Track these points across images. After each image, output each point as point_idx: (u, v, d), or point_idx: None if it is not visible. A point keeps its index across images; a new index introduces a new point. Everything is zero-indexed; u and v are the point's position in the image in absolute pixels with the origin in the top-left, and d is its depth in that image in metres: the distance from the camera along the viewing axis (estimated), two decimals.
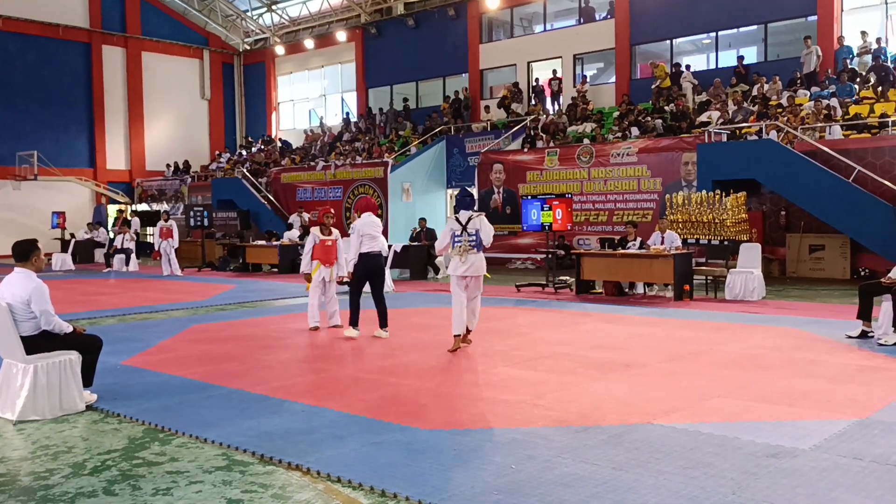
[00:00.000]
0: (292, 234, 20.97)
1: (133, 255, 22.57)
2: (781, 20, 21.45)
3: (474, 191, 23.16)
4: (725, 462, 4.68)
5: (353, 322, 9.63)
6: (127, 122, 33.87)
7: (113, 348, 8.35)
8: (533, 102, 25.05)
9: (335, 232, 10.44)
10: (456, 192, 9.55)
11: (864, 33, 19.21)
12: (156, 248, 20.49)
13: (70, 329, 6.31)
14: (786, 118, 17.49)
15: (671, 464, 4.66)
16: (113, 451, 5.15)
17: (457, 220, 8.81)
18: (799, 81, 19.49)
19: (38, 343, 6.13)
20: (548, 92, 25.18)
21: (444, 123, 26.30)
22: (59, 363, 6.12)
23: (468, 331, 8.87)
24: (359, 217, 9.77)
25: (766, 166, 15.92)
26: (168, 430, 5.61)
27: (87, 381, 6.41)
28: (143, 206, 32.77)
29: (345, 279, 10.14)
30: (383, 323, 9.60)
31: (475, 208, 9.10)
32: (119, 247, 22.67)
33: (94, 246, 26.72)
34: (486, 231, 8.76)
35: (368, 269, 9.49)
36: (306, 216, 23.48)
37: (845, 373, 7.20)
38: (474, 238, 8.67)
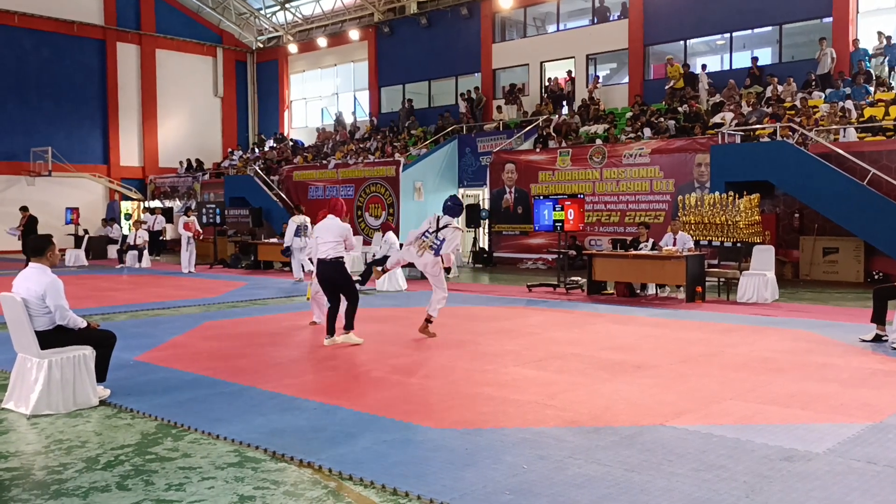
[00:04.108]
0: None
1: (146, 252, 22.69)
2: (796, 21, 21.33)
3: (486, 191, 23.22)
4: (738, 465, 4.66)
5: (329, 330, 9.09)
6: (140, 119, 34.03)
7: (125, 344, 8.38)
8: (544, 103, 25.01)
9: None
10: (447, 198, 9.65)
11: (880, 34, 19.07)
12: (184, 242, 20.53)
13: (84, 324, 6.35)
14: (800, 120, 17.39)
15: (684, 466, 4.64)
16: (126, 446, 5.17)
17: (436, 219, 9.23)
18: (813, 83, 19.39)
19: (52, 338, 6.17)
20: (567, 89, 25.13)
21: (457, 122, 26.31)
22: (73, 358, 6.15)
23: (428, 320, 9.27)
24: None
25: (780, 168, 15.84)
26: (181, 426, 5.63)
27: (101, 376, 6.44)
28: (155, 203, 32.92)
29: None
30: (348, 325, 9.00)
31: (457, 220, 9.38)
32: (132, 243, 22.81)
33: (107, 242, 26.88)
34: (450, 244, 9.17)
35: (323, 276, 9.00)
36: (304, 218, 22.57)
37: (858, 376, 7.16)
38: (438, 243, 9.12)
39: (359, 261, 19.95)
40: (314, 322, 10.60)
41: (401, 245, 10.04)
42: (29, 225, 21.28)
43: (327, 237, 8.89)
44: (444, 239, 9.13)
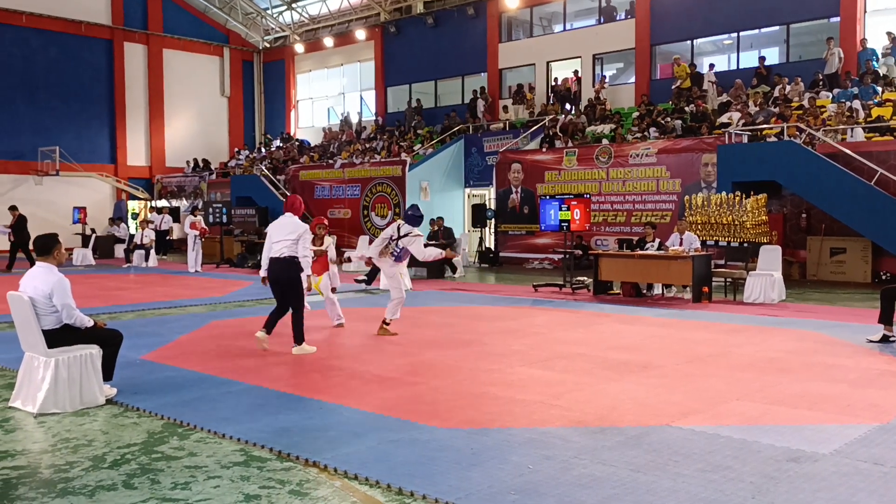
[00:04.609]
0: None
1: (153, 251, 22.76)
2: (803, 21, 21.27)
3: (492, 190, 23.21)
4: (745, 465, 4.65)
5: (267, 327, 8.47)
6: (147, 119, 34.12)
7: (132, 343, 8.41)
8: (551, 103, 24.99)
9: (326, 241, 10.55)
10: (408, 207, 10.15)
11: (889, 34, 18.99)
12: (191, 241, 20.62)
13: (91, 323, 6.36)
14: (807, 120, 17.33)
15: (690, 466, 4.63)
16: (132, 445, 5.19)
17: (398, 227, 9.65)
18: (821, 83, 19.32)
19: (59, 337, 6.19)
20: (574, 89, 25.11)
21: (463, 122, 26.30)
22: (80, 357, 6.17)
23: (385, 322, 9.64)
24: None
25: (787, 168, 15.79)
26: (187, 425, 5.64)
27: (108, 374, 6.46)
28: (162, 202, 33.01)
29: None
30: (297, 338, 8.51)
31: (418, 229, 9.75)
32: (139, 242, 22.88)
33: (114, 241, 26.96)
34: (416, 251, 9.59)
35: (273, 275, 8.39)
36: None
37: (865, 377, 7.13)
38: (399, 251, 9.58)
39: None
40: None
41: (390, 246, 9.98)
42: (18, 224, 20.80)
43: (281, 235, 8.35)
44: (404, 248, 9.56)
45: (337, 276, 10.64)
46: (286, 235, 8.33)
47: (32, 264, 6.47)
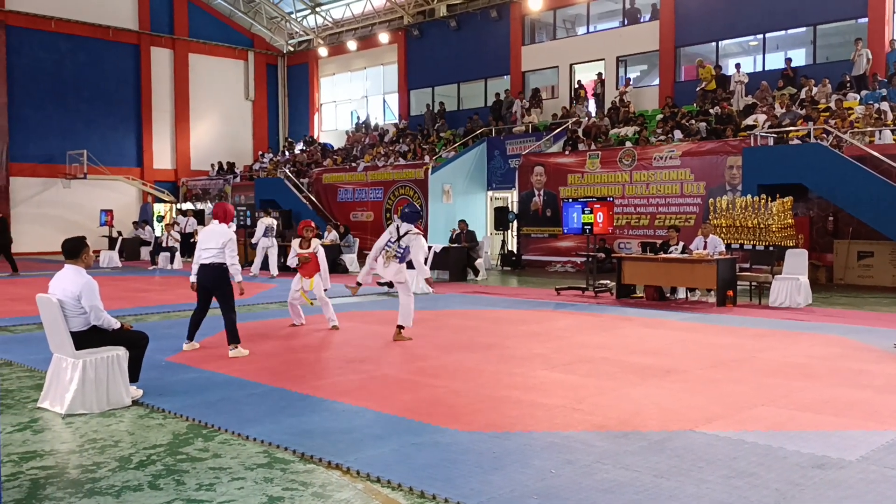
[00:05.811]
0: (332, 236, 21.20)
1: (178, 253, 22.98)
2: (831, 22, 21.05)
3: (514, 193, 23.18)
4: (770, 472, 4.60)
5: (189, 335, 8.79)
6: (173, 122, 34.49)
7: (157, 345, 8.49)
8: (575, 104, 24.91)
9: (314, 243, 10.64)
10: (405, 206, 9.93)
11: None
12: None
13: (118, 325, 6.44)
14: (834, 122, 17.14)
15: (714, 472, 4.60)
16: (158, 446, 5.24)
17: (396, 228, 9.41)
18: (848, 84, 19.10)
19: (86, 338, 6.27)
20: (591, 94, 25.02)
21: (486, 125, 26.29)
22: (107, 358, 6.25)
23: (400, 327, 9.39)
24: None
25: (814, 171, 15.62)
26: (211, 427, 5.69)
27: (134, 376, 6.54)
28: (187, 205, 33.32)
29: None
30: (231, 339, 8.58)
31: (416, 226, 9.56)
32: (164, 245, 23.11)
33: (140, 244, 27.27)
34: (416, 250, 9.33)
35: (201, 280, 8.65)
36: (272, 221, 20.18)
37: (893, 383, 7.04)
38: (402, 251, 9.30)
39: None
40: (293, 325, 10.96)
41: (399, 251, 9.65)
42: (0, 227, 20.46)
43: (210, 243, 8.53)
44: (406, 246, 9.31)
45: (328, 278, 10.71)
46: (215, 243, 8.51)
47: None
